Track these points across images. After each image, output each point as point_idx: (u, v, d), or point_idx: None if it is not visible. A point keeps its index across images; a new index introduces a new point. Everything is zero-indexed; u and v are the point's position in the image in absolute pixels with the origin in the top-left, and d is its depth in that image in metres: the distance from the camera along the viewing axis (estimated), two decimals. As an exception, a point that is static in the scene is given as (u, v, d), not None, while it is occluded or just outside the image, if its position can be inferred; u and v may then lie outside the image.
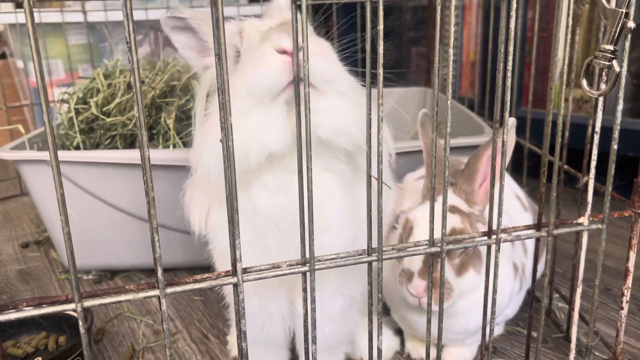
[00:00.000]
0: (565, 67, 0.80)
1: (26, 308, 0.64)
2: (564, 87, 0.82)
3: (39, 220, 1.87)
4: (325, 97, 0.77)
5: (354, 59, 0.86)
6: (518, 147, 1.54)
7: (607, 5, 0.73)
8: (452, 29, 0.68)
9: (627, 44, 0.75)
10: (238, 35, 0.85)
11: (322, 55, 0.76)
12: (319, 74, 0.75)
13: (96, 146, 1.46)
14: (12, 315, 0.62)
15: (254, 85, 0.74)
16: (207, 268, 1.45)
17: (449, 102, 0.71)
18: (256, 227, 0.84)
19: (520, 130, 1.54)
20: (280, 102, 0.75)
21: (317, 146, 0.78)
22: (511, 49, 0.72)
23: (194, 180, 0.92)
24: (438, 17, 0.69)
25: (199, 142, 0.85)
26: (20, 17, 2.14)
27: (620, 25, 0.73)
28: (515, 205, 1.15)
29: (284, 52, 0.73)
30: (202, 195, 0.90)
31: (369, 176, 0.72)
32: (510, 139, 0.94)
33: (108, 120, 1.43)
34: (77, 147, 1.45)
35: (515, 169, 1.56)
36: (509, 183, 1.20)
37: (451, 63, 0.68)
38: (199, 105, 0.88)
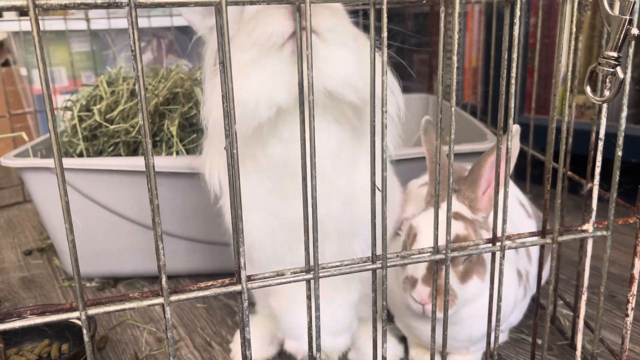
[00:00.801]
0: (569, 73, 0.80)
1: (30, 316, 0.64)
2: (567, 93, 0.82)
3: (42, 227, 1.87)
4: (332, 47, 0.76)
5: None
6: (521, 154, 1.54)
7: (611, 12, 0.73)
8: (456, 36, 0.68)
9: (631, 50, 0.75)
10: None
11: (326, 5, 0.75)
12: (322, 21, 0.74)
13: (99, 153, 1.47)
14: (16, 324, 0.62)
15: (258, 34, 0.74)
16: (210, 275, 1.46)
17: (452, 109, 0.71)
18: (273, 176, 0.85)
19: (523, 137, 1.54)
20: (287, 54, 0.75)
21: (324, 99, 0.78)
22: (514, 56, 0.72)
23: (209, 140, 0.92)
24: (442, 25, 0.69)
25: (208, 99, 0.86)
26: (24, 25, 2.16)
27: (623, 32, 0.73)
28: (519, 212, 1.15)
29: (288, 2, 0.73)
30: (218, 155, 0.91)
31: (373, 183, 0.72)
32: (514, 146, 0.94)
33: (111, 127, 1.43)
34: (80, 155, 1.45)
35: (519, 175, 1.56)
36: (513, 190, 1.20)
37: (455, 70, 0.68)
38: (208, 63, 0.89)
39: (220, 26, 0.60)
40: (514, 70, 0.73)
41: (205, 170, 0.93)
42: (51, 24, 2.15)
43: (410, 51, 2.64)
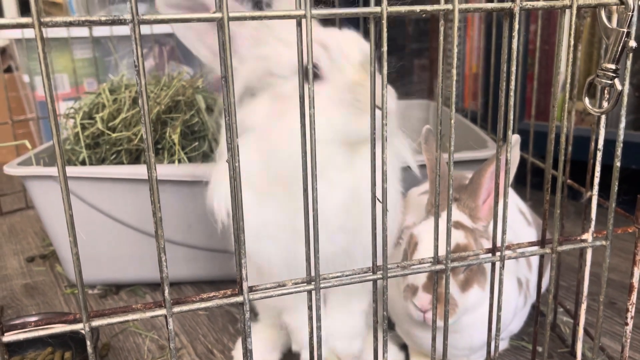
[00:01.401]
0: (568, 85, 0.81)
1: (34, 328, 0.64)
2: (567, 102, 0.82)
3: (45, 234, 1.87)
4: None
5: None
6: (521, 161, 1.54)
7: (609, 25, 0.74)
8: (456, 48, 0.69)
9: (629, 62, 0.76)
10: (323, 51, 0.86)
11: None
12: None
13: (102, 161, 1.47)
14: (20, 336, 0.63)
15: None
16: (212, 282, 1.47)
17: (452, 121, 0.72)
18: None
19: (523, 143, 1.55)
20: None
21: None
22: (514, 68, 0.73)
23: (221, 167, 0.91)
24: (441, 37, 0.70)
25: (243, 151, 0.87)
26: (27, 32, 2.17)
27: (621, 44, 0.74)
28: (519, 221, 1.16)
29: None
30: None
31: (374, 195, 0.73)
32: (514, 155, 0.95)
33: (114, 135, 1.44)
34: (83, 162, 1.46)
35: (519, 181, 1.56)
36: (513, 198, 1.20)
37: (455, 77, 0.69)
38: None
39: (222, 42, 0.61)
40: (512, 82, 0.74)
41: (212, 198, 0.91)
42: (53, 31, 2.16)
43: (411, 57, 2.65)
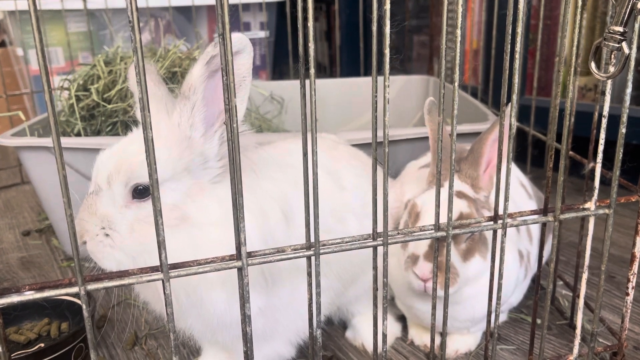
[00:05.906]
0: (574, 48, 0.79)
1: (28, 292, 0.63)
2: (571, 69, 0.80)
3: (40, 208, 1.86)
4: None
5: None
6: (522, 135, 1.53)
7: (617, -14, 0.72)
8: (460, 9, 0.67)
9: (637, 25, 0.74)
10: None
11: None
12: None
13: (97, 133, 1.45)
14: (14, 299, 0.62)
15: None
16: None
17: (456, 83, 0.70)
18: None
19: (524, 118, 1.54)
20: None
21: None
22: (519, 29, 0.71)
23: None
24: (445, 1, 0.68)
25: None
26: (20, 5, 2.13)
27: (630, 6, 0.72)
28: (520, 193, 1.15)
29: None
30: None
31: (375, 159, 0.71)
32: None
33: (109, 107, 1.42)
34: (78, 134, 1.44)
35: (519, 157, 1.55)
36: (514, 171, 1.19)
37: (458, 43, 0.67)
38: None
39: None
40: (518, 44, 0.72)
41: None
42: (47, 2, 2.12)
43: (411, 33, 2.62)
